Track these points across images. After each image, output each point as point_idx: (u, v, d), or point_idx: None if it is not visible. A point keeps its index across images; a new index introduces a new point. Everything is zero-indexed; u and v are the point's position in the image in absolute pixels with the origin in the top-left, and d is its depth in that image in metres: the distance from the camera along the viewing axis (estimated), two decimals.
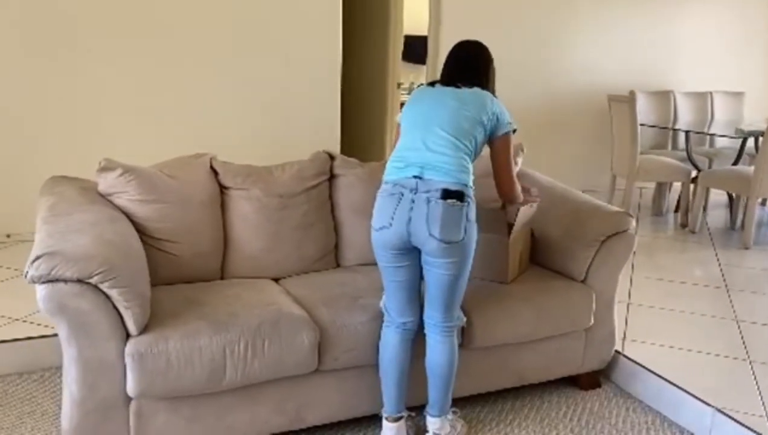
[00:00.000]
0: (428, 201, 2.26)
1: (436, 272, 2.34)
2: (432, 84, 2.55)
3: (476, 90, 2.46)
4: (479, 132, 2.40)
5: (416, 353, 2.48)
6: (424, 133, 2.38)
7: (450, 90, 2.46)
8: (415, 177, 2.31)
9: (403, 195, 2.30)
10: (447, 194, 2.26)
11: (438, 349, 2.44)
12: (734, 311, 3.72)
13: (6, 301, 3.38)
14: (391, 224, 2.31)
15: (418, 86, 2.60)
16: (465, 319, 2.52)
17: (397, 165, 2.38)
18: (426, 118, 2.41)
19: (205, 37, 4.75)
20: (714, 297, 3.95)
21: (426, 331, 2.46)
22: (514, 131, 2.49)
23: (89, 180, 2.76)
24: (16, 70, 4.31)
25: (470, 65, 2.54)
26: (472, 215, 2.34)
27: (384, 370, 2.45)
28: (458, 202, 2.27)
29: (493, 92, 2.56)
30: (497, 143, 2.48)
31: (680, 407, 2.79)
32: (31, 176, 3.61)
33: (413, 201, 2.28)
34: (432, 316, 2.43)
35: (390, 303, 2.45)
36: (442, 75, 2.57)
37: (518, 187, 2.58)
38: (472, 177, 2.38)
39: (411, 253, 2.36)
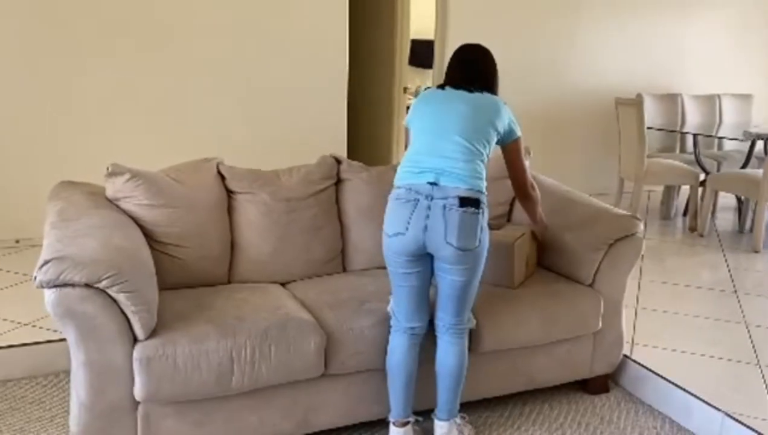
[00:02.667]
0: (444, 208, 2.26)
1: (449, 278, 2.34)
2: (441, 87, 2.51)
3: (487, 95, 2.45)
4: (493, 137, 2.41)
5: (424, 357, 2.47)
6: (437, 139, 2.37)
7: (462, 94, 2.43)
8: (430, 183, 2.30)
9: (418, 201, 2.29)
10: (464, 202, 2.26)
11: (449, 351, 2.44)
12: (743, 315, 3.70)
13: (15, 306, 3.40)
14: (407, 231, 2.30)
15: (425, 89, 2.59)
16: (475, 321, 2.52)
17: (411, 169, 2.36)
18: (439, 123, 2.39)
19: (210, 42, 4.77)
20: (723, 300, 3.93)
21: (437, 333, 2.46)
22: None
23: (97, 185, 2.78)
24: (23, 77, 4.33)
25: (478, 69, 2.51)
26: (485, 222, 2.34)
27: (391, 374, 2.45)
28: (474, 210, 2.27)
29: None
30: (511, 148, 2.51)
31: (689, 411, 2.77)
32: (39, 182, 3.63)
33: (429, 208, 2.27)
34: (443, 319, 2.43)
35: (398, 308, 2.45)
36: (449, 78, 2.52)
37: (536, 186, 2.62)
38: (485, 183, 2.37)
39: (423, 258, 2.35)
